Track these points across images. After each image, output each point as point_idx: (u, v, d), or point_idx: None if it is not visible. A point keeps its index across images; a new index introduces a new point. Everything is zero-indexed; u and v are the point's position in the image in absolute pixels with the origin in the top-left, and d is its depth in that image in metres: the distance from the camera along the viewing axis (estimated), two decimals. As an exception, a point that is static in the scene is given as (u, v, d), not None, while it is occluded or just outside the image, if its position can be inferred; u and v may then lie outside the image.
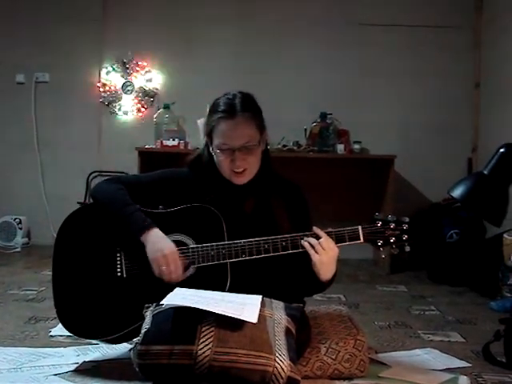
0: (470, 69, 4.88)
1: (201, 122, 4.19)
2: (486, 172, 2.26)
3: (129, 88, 5.03)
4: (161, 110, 4.74)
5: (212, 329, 1.71)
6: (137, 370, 1.73)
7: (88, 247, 2.09)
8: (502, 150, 2.25)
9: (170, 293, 1.83)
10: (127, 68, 5.01)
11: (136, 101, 5.03)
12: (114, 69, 5.01)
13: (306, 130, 4.69)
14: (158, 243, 1.98)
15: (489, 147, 3.11)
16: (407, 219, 2.06)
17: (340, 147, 4.56)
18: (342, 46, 4.89)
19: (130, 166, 4.43)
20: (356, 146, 4.63)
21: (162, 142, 4.47)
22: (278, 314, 1.86)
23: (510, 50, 4.25)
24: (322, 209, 3.92)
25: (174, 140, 4.45)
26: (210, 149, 2.08)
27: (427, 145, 4.90)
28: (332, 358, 2.05)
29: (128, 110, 5.03)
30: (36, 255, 4.58)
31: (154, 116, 4.75)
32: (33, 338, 2.52)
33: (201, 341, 1.68)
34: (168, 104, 4.71)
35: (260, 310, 1.78)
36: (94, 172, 4.97)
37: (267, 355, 1.67)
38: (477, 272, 3.76)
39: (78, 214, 2.17)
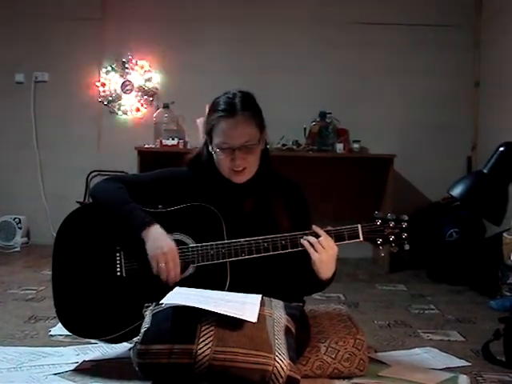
0: (470, 68, 4.88)
1: (200, 121, 4.20)
2: (485, 171, 2.26)
3: (128, 87, 5.02)
4: (160, 109, 4.74)
5: (212, 328, 1.71)
6: (136, 369, 1.73)
7: (87, 247, 2.09)
8: (501, 149, 2.25)
9: (170, 292, 1.83)
10: (126, 67, 5.00)
11: (135, 100, 5.02)
12: (113, 68, 5.01)
13: (305, 129, 4.70)
14: (159, 240, 1.98)
15: (488, 146, 3.11)
16: (406, 217, 2.06)
17: (339, 146, 4.56)
18: (342, 45, 4.89)
19: (130, 165, 4.42)
20: (355, 145, 4.63)
21: (161, 141, 4.48)
22: (278, 313, 1.86)
23: (509, 48, 4.25)
24: (322, 208, 3.92)
25: (173, 139, 4.46)
26: (210, 148, 2.09)
27: (427, 144, 4.90)
28: (332, 357, 2.06)
29: (127, 109, 5.02)
30: (35, 255, 4.58)
31: (154, 115, 4.76)
32: (32, 337, 2.52)
33: (200, 340, 1.68)
34: (167, 103, 4.71)
35: (260, 310, 1.78)
36: (94, 171, 4.97)
37: (267, 354, 1.67)
38: (476, 271, 3.76)
39: (77, 213, 2.17)
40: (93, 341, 2.27)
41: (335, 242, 1.99)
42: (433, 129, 4.87)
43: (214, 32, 4.90)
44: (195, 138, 4.27)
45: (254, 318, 1.71)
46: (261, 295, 1.89)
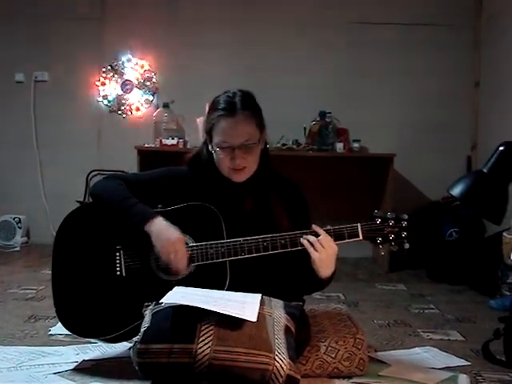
0: (470, 68, 4.87)
1: (200, 120, 4.19)
2: (485, 170, 2.26)
3: (128, 87, 5.02)
4: (160, 108, 4.74)
5: (211, 327, 1.71)
6: (136, 368, 1.73)
7: (87, 246, 2.09)
8: (501, 148, 2.25)
9: (170, 291, 1.83)
10: (126, 67, 5.00)
11: (135, 100, 5.02)
12: (113, 68, 5.00)
13: (305, 128, 4.69)
14: (164, 231, 1.97)
15: (488, 145, 3.11)
16: (406, 216, 2.06)
17: (339, 146, 4.56)
18: (342, 45, 4.88)
19: (130, 164, 4.41)
20: (355, 145, 4.63)
21: (161, 140, 4.47)
22: (278, 312, 1.86)
23: (509, 48, 4.25)
24: (322, 207, 3.92)
25: (173, 139, 4.45)
26: (210, 147, 2.09)
27: (426, 143, 4.89)
28: (331, 357, 2.06)
29: (127, 108, 5.02)
30: (35, 254, 4.58)
31: (154, 115, 4.75)
32: (32, 336, 2.52)
33: (200, 339, 1.69)
34: (167, 103, 4.71)
35: (259, 309, 1.78)
36: (94, 171, 4.96)
37: (267, 354, 1.68)
38: (476, 270, 3.76)
39: (77, 213, 2.17)
40: (93, 340, 2.27)
41: (335, 241, 1.99)
42: (433, 128, 4.86)
43: (214, 32, 4.89)
44: (195, 138, 4.27)
45: (253, 318, 1.71)
46: (260, 294, 1.89)
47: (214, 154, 2.07)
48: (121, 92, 5.02)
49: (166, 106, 4.69)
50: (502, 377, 2.17)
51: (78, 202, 4.26)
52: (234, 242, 2.00)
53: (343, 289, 3.62)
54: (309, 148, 4.57)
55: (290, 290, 2.08)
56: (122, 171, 4.50)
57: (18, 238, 4.90)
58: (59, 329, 2.49)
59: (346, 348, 2.07)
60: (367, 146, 4.77)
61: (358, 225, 2.03)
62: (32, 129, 5.05)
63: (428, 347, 2.49)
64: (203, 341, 1.68)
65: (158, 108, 4.80)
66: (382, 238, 2.03)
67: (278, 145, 4.54)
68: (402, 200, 4.26)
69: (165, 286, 1.94)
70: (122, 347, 2.27)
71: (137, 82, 5.01)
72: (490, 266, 3.56)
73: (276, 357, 1.67)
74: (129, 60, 5.00)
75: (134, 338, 1.82)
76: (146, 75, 5.01)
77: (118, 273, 2.05)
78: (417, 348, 2.48)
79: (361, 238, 2.02)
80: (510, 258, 3.29)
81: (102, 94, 5.02)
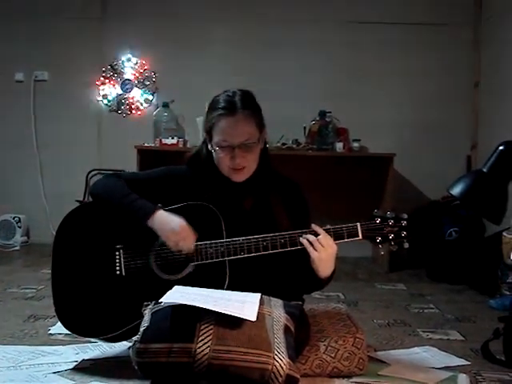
0: (470, 68, 4.87)
1: (200, 120, 4.19)
2: (485, 170, 2.26)
3: (128, 86, 5.02)
4: (160, 108, 4.74)
5: (211, 327, 1.71)
6: (136, 368, 1.73)
7: (87, 245, 2.09)
8: (501, 148, 2.25)
9: (169, 291, 1.83)
10: (126, 66, 5.00)
11: (135, 99, 5.02)
12: (112, 67, 5.00)
13: (305, 128, 4.69)
14: (167, 223, 1.98)
15: (488, 145, 3.11)
16: (406, 216, 2.06)
17: (339, 145, 4.56)
18: (342, 45, 4.88)
19: (130, 164, 4.41)
20: (355, 145, 4.63)
21: (160, 140, 4.47)
22: (277, 311, 1.86)
23: (509, 48, 4.25)
24: (321, 207, 3.91)
25: (172, 138, 4.45)
26: (209, 146, 2.08)
27: (426, 143, 4.89)
28: (331, 356, 2.06)
29: (127, 108, 5.02)
30: (35, 254, 4.58)
31: (153, 114, 4.75)
32: (32, 336, 2.52)
33: (200, 339, 1.68)
34: (167, 102, 4.70)
35: (259, 308, 1.78)
36: (94, 170, 4.97)
37: (266, 353, 1.68)
38: (476, 270, 3.76)
39: (77, 212, 2.17)
40: (92, 340, 2.27)
41: (334, 240, 1.99)
42: (432, 128, 4.87)
43: (213, 31, 4.90)
44: (195, 137, 4.27)
45: (253, 317, 1.71)
46: (260, 294, 1.89)
47: (214, 154, 2.07)
48: (121, 91, 5.03)
49: (165, 105, 4.69)
50: (502, 376, 2.17)
51: (77, 201, 4.26)
52: (233, 241, 2.00)
53: (343, 288, 3.63)
54: (308, 147, 4.57)
55: (290, 290, 2.08)
56: (122, 170, 4.50)
57: (18, 238, 4.90)
58: (59, 328, 2.49)
59: (345, 347, 2.07)
60: (367, 146, 4.77)
61: (358, 224, 2.03)
62: (32, 128, 5.05)
63: (427, 347, 2.49)
64: (202, 340, 1.68)
65: (157, 107, 4.80)
66: (381, 237, 2.03)
67: (278, 144, 4.54)
68: (402, 200, 4.27)
69: (164, 285, 1.94)
70: (121, 347, 2.27)
71: (137, 82, 5.01)
72: (490, 265, 3.56)
73: (275, 356, 1.67)
74: (129, 59, 5.00)
75: (134, 338, 1.82)
76: (146, 75, 5.01)
77: (118, 272, 2.05)
78: (416, 348, 2.48)
79: (360, 237, 2.02)
80: (509, 257, 3.29)
81: (101, 93, 5.02)
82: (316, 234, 1.98)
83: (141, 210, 2.00)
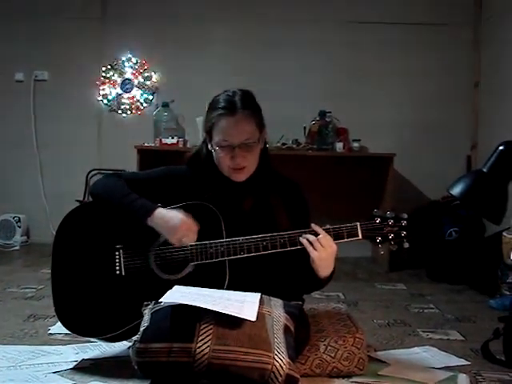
0: (470, 67, 4.88)
1: (200, 120, 4.19)
2: (485, 170, 2.26)
3: (128, 86, 5.02)
4: (160, 108, 4.74)
5: (211, 327, 1.71)
6: (136, 367, 1.73)
7: (87, 245, 2.09)
8: (501, 148, 2.25)
9: (169, 290, 1.83)
10: (126, 66, 5.00)
11: (135, 99, 5.02)
12: (112, 67, 5.01)
13: (305, 128, 4.69)
14: (167, 221, 1.97)
15: (488, 145, 3.11)
16: (406, 216, 2.06)
17: (339, 145, 4.56)
18: (342, 45, 4.88)
19: (130, 163, 4.41)
20: (355, 145, 4.63)
21: (160, 140, 4.47)
22: (277, 311, 1.86)
23: (509, 48, 4.25)
24: (321, 207, 3.91)
25: (172, 138, 4.45)
26: (209, 146, 2.08)
27: (426, 143, 4.90)
28: (331, 356, 2.05)
29: (127, 108, 5.03)
30: (35, 253, 4.58)
31: (153, 114, 4.75)
32: (32, 335, 2.52)
33: (199, 338, 1.69)
34: (167, 102, 4.70)
35: (259, 308, 1.78)
36: (93, 170, 4.97)
37: (266, 353, 1.68)
38: (476, 270, 3.75)
39: (76, 212, 2.17)
40: (92, 339, 2.27)
41: (334, 240, 1.99)
42: (432, 128, 4.87)
43: (213, 31, 4.90)
44: (195, 137, 4.27)
45: (253, 317, 1.71)
46: (260, 294, 1.89)
47: (214, 153, 2.07)
48: (121, 91, 5.02)
49: (165, 105, 4.69)
50: (502, 376, 2.16)
51: (77, 201, 4.26)
52: (233, 241, 2.00)
53: (343, 288, 3.62)
54: (308, 147, 4.57)
55: (290, 290, 2.08)
56: (122, 170, 4.50)
57: (18, 237, 4.90)
58: (59, 328, 2.49)
59: (345, 347, 2.07)
60: (367, 146, 4.77)
61: (358, 224, 2.03)
62: (32, 128, 5.05)
63: (427, 347, 2.49)
64: (202, 340, 1.68)
65: (157, 107, 4.80)
66: (381, 237, 2.03)
67: (278, 144, 4.54)
68: (402, 199, 4.27)
69: (164, 285, 1.94)
70: (121, 346, 2.27)
71: (136, 82, 5.01)
72: (490, 265, 3.56)
73: (275, 356, 1.67)
74: (129, 59, 5.00)
75: (134, 337, 1.82)
76: (146, 74, 5.01)
77: (118, 272, 2.05)
78: (416, 347, 2.48)
79: (360, 237, 2.02)
80: (509, 257, 3.28)
81: (101, 93, 5.02)
82: (316, 234, 1.98)
83: (140, 209, 2.00)
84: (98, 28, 4.99)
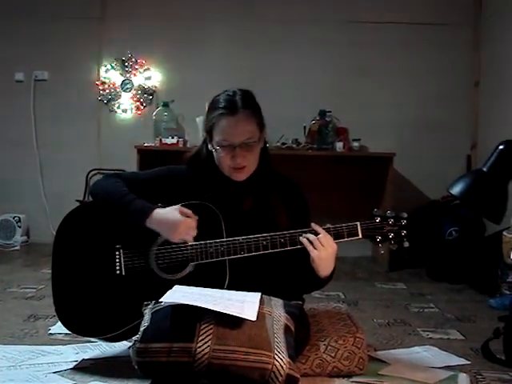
0: (470, 67, 4.88)
1: (200, 120, 4.20)
2: (485, 169, 2.26)
3: (128, 86, 5.02)
4: (160, 108, 4.74)
5: (211, 326, 1.71)
6: (136, 367, 1.73)
7: (87, 245, 2.09)
8: (501, 147, 2.25)
9: (169, 290, 1.83)
10: (126, 66, 5.00)
11: (135, 99, 5.02)
12: (112, 67, 5.01)
13: (305, 127, 4.70)
14: (166, 222, 1.97)
15: (488, 144, 3.11)
16: (406, 215, 2.06)
17: (339, 145, 4.56)
18: (342, 44, 4.88)
19: (130, 163, 4.42)
20: (355, 144, 4.63)
21: (161, 140, 4.47)
22: (277, 311, 1.86)
23: (509, 48, 4.25)
24: (321, 206, 3.90)
25: (172, 138, 4.45)
26: (209, 146, 2.08)
27: (426, 142, 4.90)
28: (331, 356, 2.05)
29: (127, 108, 5.03)
30: (35, 253, 4.58)
31: (153, 114, 4.75)
32: (32, 335, 2.52)
33: (200, 338, 1.68)
34: (167, 102, 4.71)
35: (259, 308, 1.78)
36: (93, 170, 4.97)
37: (266, 353, 1.68)
38: (476, 269, 3.75)
39: (77, 212, 2.17)
40: (92, 339, 2.27)
41: (334, 239, 1.99)
42: (432, 127, 4.87)
43: (213, 31, 4.90)
44: (195, 137, 4.27)
45: (253, 317, 1.71)
46: (260, 293, 1.89)
47: (215, 153, 2.07)
48: (120, 91, 5.02)
49: (165, 105, 4.69)
50: (502, 376, 2.17)
51: (77, 201, 4.27)
52: (233, 240, 2.00)
53: (343, 288, 3.63)
54: (308, 147, 4.57)
55: (290, 289, 2.08)
56: (122, 170, 4.50)
57: (18, 237, 4.90)
58: (59, 328, 2.49)
59: (345, 347, 2.07)
60: (367, 145, 4.77)
61: (358, 223, 2.03)
62: (32, 128, 5.05)
63: (428, 346, 2.49)
64: (203, 340, 1.68)
65: (157, 107, 4.80)
66: (381, 236, 2.03)
67: (278, 144, 4.55)
68: (402, 199, 4.27)
69: (164, 284, 1.94)
70: (121, 346, 2.27)
71: (136, 82, 5.01)
72: (490, 265, 3.56)
73: (275, 356, 1.67)
74: (128, 59, 5.00)
75: (134, 337, 1.82)
76: (146, 74, 5.01)
77: (118, 272, 2.05)
78: (416, 347, 2.48)
79: (360, 236, 2.02)
80: (509, 257, 3.28)
81: (101, 93, 5.02)
82: (316, 234, 1.98)
83: (138, 211, 1.99)
84: (98, 28, 4.99)
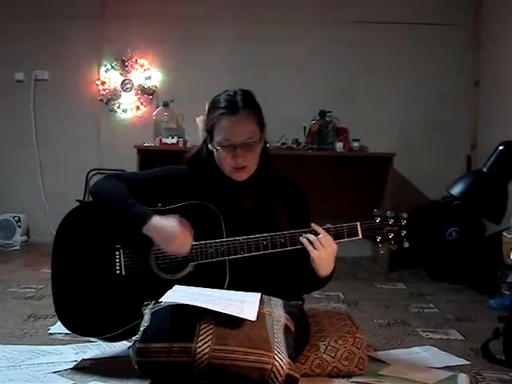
0: (470, 67, 4.87)
1: (200, 119, 4.20)
2: (485, 170, 2.26)
3: (128, 86, 5.02)
4: (160, 107, 4.73)
5: (211, 326, 1.71)
6: (136, 367, 1.74)
7: (87, 245, 2.09)
8: (501, 148, 2.25)
9: (169, 290, 1.83)
10: (126, 66, 5.00)
11: (135, 98, 5.02)
12: (112, 66, 5.00)
13: (305, 127, 4.70)
14: (163, 231, 1.96)
15: (488, 145, 3.11)
16: (406, 215, 2.06)
17: (339, 145, 4.56)
18: (342, 44, 4.89)
19: (129, 163, 4.42)
20: (355, 144, 4.63)
21: (161, 139, 4.47)
22: (277, 311, 1.86)
23: (509, 47, 4.25)
24: (321, 207, 3.91)
25: (172, 138, 4.45)
26: (210, 146, 2.08)
27: (426, 143, 4.90)
28: (331, 356, 2.05)
29: (127, 107, 5.02)
30: (35, 253, 4.58)
31: (153, 114, 4.75)
32: (32, 335, 2.52)
33: (199, 338, 1.69)
34: (167, 102, 4.70)
35: (259, 308, 1.78)
36: (93, 170, 4.97)
37: (266, 353, 1.68)
38: (476, 270, 3.75)
39: (76, 211, 2.17)
40: (92, 339, 2.27)
41: (334, 239, 1.99)
42: (432, 128, 4.87)
43: (213, 30, 4.91)
44: (195, 137, 4.27)
45: (253, 317, 1.71)
46: (260, 293, 1.89)
47: (216, 153, 2.07)
48: (121, 91, 5.02)
49: (165, 104, 4.69)
50: (502, 376, 2.17)
51: (77, 200, 4.26)
52: (233, 240, 2.00)
53: (343, 288, 3.63)
54: (308, 147, 4.57)
55: (290, 289, 2.08)
56: (122, 170, 4.50)
57: (18, 237, 4.90)
58: (59, 328, 2.49)
59: (345, 347, 2.07)
60: (367, 146, 4.77)
61: (358, 224, 2.03)
62: (32, 128, 5.05)
63: (427, 346, 2.49)
64: (202, 340, 1.68)
65: (157, 107, 4.79)
66: (381, 236, 2.03)
67: (278, 144, 4.54)
68: (402, 199, 4.27)
69: (164, 284, 1.94)
70: (121, 346, 2.27)
71: (136, 81, 5.01)
72: (490, 265, 3.56)
73: (275, 356, 1.67)
74: (129, 58, 5.00)
75: (134, 337, 1.82)
76: (146, 74, 5.00)
77: (118, 272, 2.05)
78: (416, 347, 2.48)
79: (360, 236, 2.02)
80: (509, 257, 3.28)
81: (101, 92, 5.02)
82: (316, 234, 1.98)
83: (137, 217, 1.98)
84: (98, 27, 4.99)
